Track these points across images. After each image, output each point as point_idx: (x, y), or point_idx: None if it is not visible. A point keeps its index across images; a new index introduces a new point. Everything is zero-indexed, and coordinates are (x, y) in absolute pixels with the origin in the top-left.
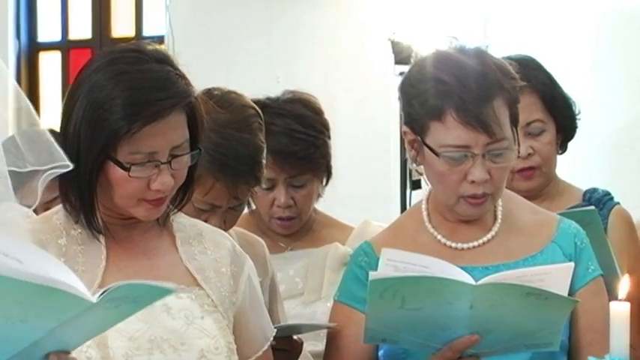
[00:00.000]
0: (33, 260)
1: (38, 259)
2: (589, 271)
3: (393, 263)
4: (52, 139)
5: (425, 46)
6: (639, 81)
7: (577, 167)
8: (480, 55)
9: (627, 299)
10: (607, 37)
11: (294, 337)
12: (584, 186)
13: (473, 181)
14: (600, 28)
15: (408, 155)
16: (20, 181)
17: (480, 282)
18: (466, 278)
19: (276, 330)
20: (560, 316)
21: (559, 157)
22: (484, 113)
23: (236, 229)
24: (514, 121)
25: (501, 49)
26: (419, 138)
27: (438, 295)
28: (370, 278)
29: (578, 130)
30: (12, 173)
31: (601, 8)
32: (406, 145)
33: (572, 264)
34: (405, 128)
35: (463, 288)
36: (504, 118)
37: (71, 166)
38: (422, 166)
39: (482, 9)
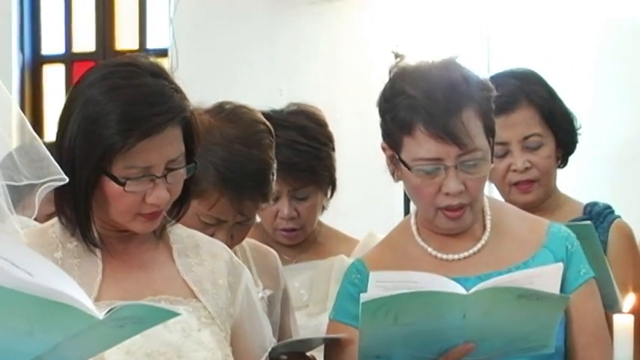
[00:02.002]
0: (42, 272)
1: (47, 271)
2: (581, 274)
3: (382, 284)
4: (48, 153)
5: (427, 58)
6: None
7: (579, 180)
8: (448, 67)
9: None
10: (610, 49)
11: (307, 354)
12: (586, 199)
13: (447, 193)
14: (603, 40)
15: (389, 170)
16: (19, 194)
17: (470, 291)
18: (457, 289)
19: (283, 343)
20: (553, 316)
21: (561, 170)
22: (452, 125)
23: (249, 240)
24: (489, 132)
25: (504, 59)
26: (394, 153)
27: (430, 309)
28: (362, 300)
29: (580, 143)
30: (10, 187)
31: (604, 20)
32: (386, 161)
33: (560, 265)
34: (382, 144)
35: (455, 299)
36: (476, 128)
37: (67, 180)
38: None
39: (485, 19)
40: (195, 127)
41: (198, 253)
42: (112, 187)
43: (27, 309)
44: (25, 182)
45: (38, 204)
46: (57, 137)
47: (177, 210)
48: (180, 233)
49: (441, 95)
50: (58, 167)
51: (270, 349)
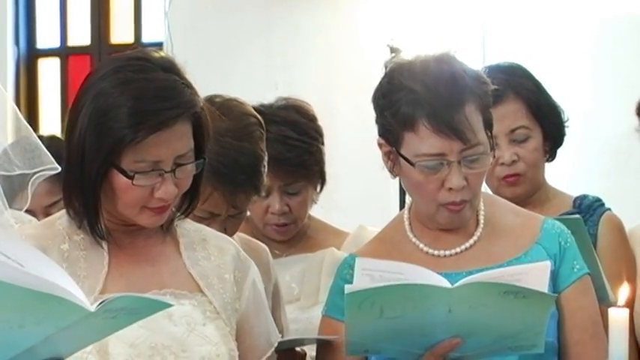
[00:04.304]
0: (34, 264)
1: (39, 263)
2: (574, 271)
3: (369, 272)
4: (40, 143)
5: (422, 53)
6: (639, 88)
7: (575, 174)
8: (448, 61)
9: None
10: (607, 44)
11: (297, 349)
12: (582, 192)
13: (450, 189)
14: (600, 35)
15: (385, 167)
16: (12, 184)
17: (455, 284)
18: (442, 282)
19: (279, 339)
20: (541, 314)
21: (557, 164)
22: (456, 120)
23: (240, 234)
24: (488, 126)
25: (500, 53)
26: (394, 149)
27: (416, 302)
28: (346, 291)
29: (576, 137)
30: (2, 178)
31: (600, 15)
32: (382, 157)
33: (548, 263)
34: (379, 140)
35: (440, 292)
36: (477, 123)
37: (59, 169)
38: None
39: (480, 14)
40: (205, 123)
41: (206, 247)
42: (120, 180)
43: (18, 301)
44: (18, 172)
45: (31, 193)
46: (67, 130)
47: (187, 205)
48: (188, 227)
49: (444, 89)
50: (51, 157)
51: (276, 344)
